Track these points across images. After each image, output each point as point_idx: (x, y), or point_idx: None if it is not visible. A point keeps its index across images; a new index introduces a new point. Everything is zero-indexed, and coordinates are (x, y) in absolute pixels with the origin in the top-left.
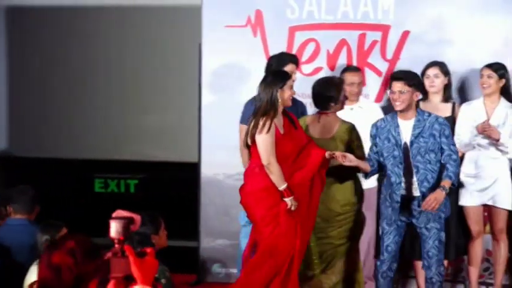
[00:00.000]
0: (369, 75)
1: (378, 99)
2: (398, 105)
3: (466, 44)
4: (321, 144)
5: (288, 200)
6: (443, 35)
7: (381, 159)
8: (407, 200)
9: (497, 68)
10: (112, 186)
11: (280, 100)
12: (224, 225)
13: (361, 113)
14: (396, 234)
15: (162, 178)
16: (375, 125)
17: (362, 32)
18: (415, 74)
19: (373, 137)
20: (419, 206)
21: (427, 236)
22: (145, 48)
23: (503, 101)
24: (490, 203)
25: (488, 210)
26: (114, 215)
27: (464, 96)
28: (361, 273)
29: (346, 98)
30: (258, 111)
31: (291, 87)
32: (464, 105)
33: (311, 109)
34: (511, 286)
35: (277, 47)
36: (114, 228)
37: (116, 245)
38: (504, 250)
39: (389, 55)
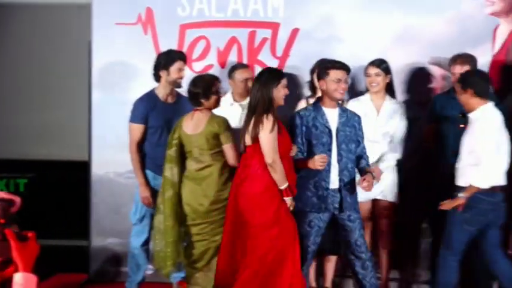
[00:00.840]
0: None
1: None
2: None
3: (355, 41)
4: (193, 140)
5: (288, 200)
6: (332, 32)
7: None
8: (332, 190)
9: (381, 64)
10: (1, 186)
11: (274, 99)
12: (115, 224)
13: None
14: (317, 235)
15: (52, 177)
16: (297, 115)
17: (252, 30)
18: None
19: (298, 125)
20: (341, 196)
21: (351, 226)
22: (35, 45)
23: (388, 97)
24: (379, 197)
25: (376, 204)
26: None
27: (353, 92)
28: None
29: (218, 94)
30: (255, 109)
31: (285, 85)
32: (352, 101)
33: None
34: (432, 282)
35: (168, 45)
36: None
37: None
38: (387, 242)
39: (279, 52)
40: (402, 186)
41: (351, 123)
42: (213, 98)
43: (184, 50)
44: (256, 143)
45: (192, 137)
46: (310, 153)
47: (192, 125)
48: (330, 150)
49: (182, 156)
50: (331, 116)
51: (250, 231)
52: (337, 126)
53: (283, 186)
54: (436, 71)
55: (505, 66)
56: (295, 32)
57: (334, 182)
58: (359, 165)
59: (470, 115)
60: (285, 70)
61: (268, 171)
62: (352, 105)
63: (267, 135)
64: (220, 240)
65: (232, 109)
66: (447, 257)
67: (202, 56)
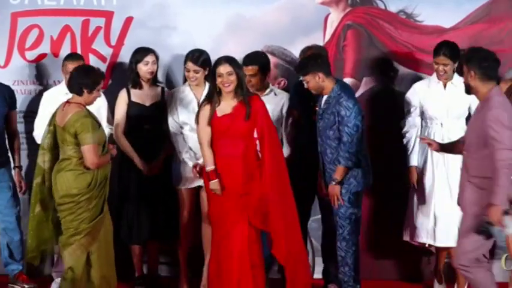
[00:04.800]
0: (94, 61)
1: (103, 86)
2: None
3: (189, 30)
4: (59, 131)
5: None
6: (166, 21)
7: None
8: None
9: (200, 58)
10: None
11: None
12: None
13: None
14: None
15: None
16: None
17: (86, 18)
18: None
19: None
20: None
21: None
22: None
23: (207, 84)
24: None
25: None
26: None
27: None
28: (96, 272)
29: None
30: None
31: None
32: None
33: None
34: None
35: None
36: None
37: None
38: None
39: (113, 41)
40: None
41: (330, 111)
42: (94, 94)
43: (17, 38)
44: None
45: (58, 128)
46: None
47: (61, 117)
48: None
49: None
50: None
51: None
52: (319, 112)
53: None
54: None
55: (335, 55)
56: (129, 20)
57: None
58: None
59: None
60: (119, 59)
61: None
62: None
63: None
64: (70, 234)
65: (65, 98)
66: None
67: (36, 45)
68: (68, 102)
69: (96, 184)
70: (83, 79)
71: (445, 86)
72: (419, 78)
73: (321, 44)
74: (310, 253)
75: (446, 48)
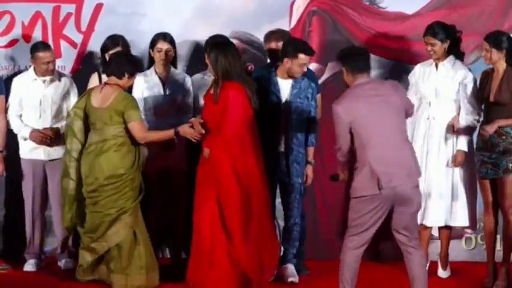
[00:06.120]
0: (65, 47)
1: (73, 70)
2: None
3: (158, 16)
4: (98, 113)
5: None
6: (136, 7)
7: None
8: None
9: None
10: None
11: None
12: None
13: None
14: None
15: None
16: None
17: (56, 5)
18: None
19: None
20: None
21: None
22: None
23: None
24: None
25: None
26: None
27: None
28: (142, 246)
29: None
30: None
31: None
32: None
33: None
34: None
35: None
36: None
37: None
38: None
39: (84, 27)
40: None
41: (304, 94)
42: (131, 79)
43: None
44: None
45: (98, 110)
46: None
47: (100, 99)
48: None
49: (86, 128)
50: (284, 87)
51: None
52: (289, 97)
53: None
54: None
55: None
56: (99, 6)
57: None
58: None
59: None
60: (90, 45)
61: None
62: (139, 79)
63: None
64: (115, 214)
65: (35, 84)
66: None
67: (7, 31)
68: (106, 83)
69: (138, 164)
70: (126, 65)
71: (437, 66)
72: (383, 63)
73: (287, 29)
74: (278, 234)
75: (434, 29)
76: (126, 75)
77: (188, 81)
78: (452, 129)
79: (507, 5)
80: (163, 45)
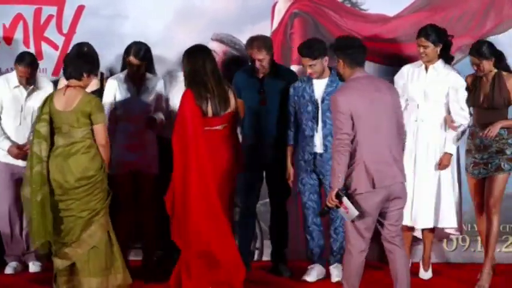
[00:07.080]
0: (46, 49)
1: (55, 73)
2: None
3: (140, 18)
4: (63, 116)
5: None
6: (118, 10)
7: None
8: (317, 156)
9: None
10: None
11: None
12: None
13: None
14: (311, 192)
15: None
16: (292, 86)
17: (38, 7)
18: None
19: (292, 96)
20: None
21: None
22: None
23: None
24: None
25: None
26: None
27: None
28: (115, 246)
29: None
30: None
31: None
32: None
33: None
34: None
35: None
36: None
37: None
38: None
39: (66, 29)
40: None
41: None
42: (90, 78)
43: None
44: None
45: (63, 113)
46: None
47: (64, 102)
48: (314, 117)
49: (51, 132)
50: (319, 86)
51: None
52: (322, 96)
53: None
54: (218, 47)
55: (282, 43)
56: (80, 9)
57: (319, 148)
58: None
59: None
60: (71, 47)
61: None
62: (111, 83)
63: None
64: (87, 216)
65: (17, 91)
66: None
67: None
68: (68, 86)
69: (104, 165)
70: (83, 65)
71: (427, 69)
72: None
73: (269, 31)
74: (259, 236)
75: (427, 31)
76: (85, 75)
77: (161, 84)
78: (445, 123)
79: (488, 7)
80: (134, 61)
